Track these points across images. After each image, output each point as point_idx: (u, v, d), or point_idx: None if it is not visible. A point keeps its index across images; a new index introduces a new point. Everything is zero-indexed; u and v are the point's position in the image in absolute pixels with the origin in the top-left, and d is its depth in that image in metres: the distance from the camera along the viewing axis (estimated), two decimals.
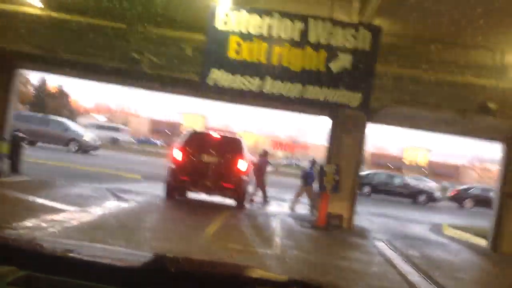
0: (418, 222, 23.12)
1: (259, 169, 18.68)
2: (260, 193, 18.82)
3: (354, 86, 9.95)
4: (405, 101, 12.97)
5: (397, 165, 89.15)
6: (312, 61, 9.93)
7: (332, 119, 15.60)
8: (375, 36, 9.95)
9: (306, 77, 9.98)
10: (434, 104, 13.08)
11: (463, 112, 12.74)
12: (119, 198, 14.45)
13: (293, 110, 17.03)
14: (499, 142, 15.60)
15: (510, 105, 13.06)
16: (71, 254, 1.73)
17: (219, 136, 15.99)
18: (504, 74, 12.22)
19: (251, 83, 9.96)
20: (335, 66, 9.91)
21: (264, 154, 19.70)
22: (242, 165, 15.23)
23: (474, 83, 13.17)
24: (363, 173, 34.81)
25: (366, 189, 33.31)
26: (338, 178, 14.63)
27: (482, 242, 16.56)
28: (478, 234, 18.43)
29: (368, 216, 21.10)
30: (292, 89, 9.99)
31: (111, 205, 13.02)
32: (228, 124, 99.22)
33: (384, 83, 12.69)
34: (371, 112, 14.75)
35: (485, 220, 27.19)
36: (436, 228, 21.30)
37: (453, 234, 19.18)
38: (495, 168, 70.00)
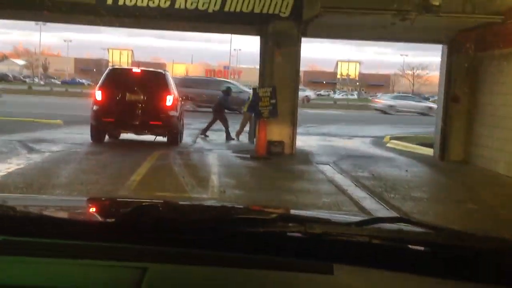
0: (358, 137, 22.35)
1: (220, 105, 17.63)
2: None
3: None
4: (340, 8, 11.46)
5: (331, 80, 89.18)
6: None
7: (262, 36, 13.95)
8: None
9: None
10: (371, 8, 11.63)
11: (403, 13, 11.38)
12: (31, 150, 12.59)
13: (218, 30, 15.22)
14: (440, 43, 14.45)
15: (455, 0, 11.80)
16: (45, 213, 1.75)
17: (142, 72, 15.15)
18: None
19: None
20: None
21: (226, 91, 18.18)
22: (168, 100, 14.26)
23: None
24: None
25: None
26: (274, 101, 13.21)
27: (428, 152, 15.78)
28: (422, 143, 17.72)
29: (310, 136, 20.12)
30: (210, 2, 8.29)
31: (20, 160, 11.20)
32: (158, 56, 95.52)
33: None
34: (304, 24, 13.23)
35: (418, 126, 27.42)
36: (378, 141, 20.52)
37: (396, 146, 18.39)
38: (425, 74, 70.87)
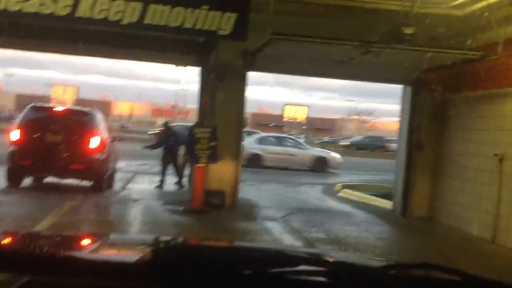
0: (309, 184, 20.33)
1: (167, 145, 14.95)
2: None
3: (225, 3, 6.24)
4: (294, 35, 9.46)
5: (278, 123, 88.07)
6: None
7: (203, 67, 11.80)
8: None
9: None
10: (330, 38, 9.70)
11: (367, 45, 9.47)
12: None
13: (152, 59, 12.96)
14: (402, 84, 12.65)
15: (425, 32, 10.02)
16: (69, 253, 1.71)
17: (66, 110, 14.07)
18: None
19: (57, 3, 5.88)
20: None
21: (165, 127, 15.88)
22: (94, 141, 12.71)
23: (380, 8, 9.99)
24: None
25: None
26: (215, 144, 10.98)
27: (387, 204, 13.83)
28: (378, 193, 15.82)
29: (255, 183, 17.96)
30: (126, 11, 6.09)
31: None
32: (106, 93, 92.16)
33: (263, 9, 9.11)
34: (250, 55, 11.18)
35: (375, 172, 25.64)
36: (330, 190, 18.53)
37: (350, 196, 16.40)
38: (371, 120, 70.54)
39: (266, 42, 9.65)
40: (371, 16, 10.27)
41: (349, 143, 53.97)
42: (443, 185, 11.76)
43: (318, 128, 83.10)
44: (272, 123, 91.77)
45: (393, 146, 30.59)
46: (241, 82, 11.84)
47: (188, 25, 6.20)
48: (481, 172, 10.33)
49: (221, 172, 11.47)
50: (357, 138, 57.86)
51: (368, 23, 10.38)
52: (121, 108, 77.57)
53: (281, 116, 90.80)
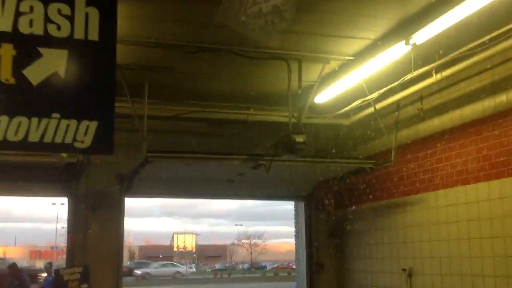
0: None
1: None
2: None
3: (82, 110, 4.97)
4: (171, 152, 8.29)
5: (168, 254, 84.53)
6: None
7: (70, 197, 10.15)
8: (108, 18, 5.20)
9: None
10: (214, 152, 8.66)
11: (255, 158, 8.51)
12: None
13: (9, 192, 11.04)
14: (294, 200, 11.73)
15: (314, 143, 9.33)
16: None
17: None
18: (307, 102, 8.43)
19: None
20: (34, 73, 4.88)
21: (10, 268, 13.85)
22: None
23: (266, 120, 9.25)
24: None
25: None
26: (87, 287, 9.12)
27: None
28: None
29: None
30: None
31: None
32: None
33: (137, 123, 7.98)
34: (127, 179, 9.80)
35: None
36: None
37: None
38: (263, 243, 69.80)
39: (142, 161, 8.37)
40: (258, 129, 9.48)
41: None
42: None
43: (209, 255, 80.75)
44: (162, 254, 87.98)
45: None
46: (118, 211, 10.28)
47: (32, 138, 4.79)
48: None
49: None
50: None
51: (256, 137, 9.58)
52: None
53: (170, 247, 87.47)
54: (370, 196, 9.93)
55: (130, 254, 65.88)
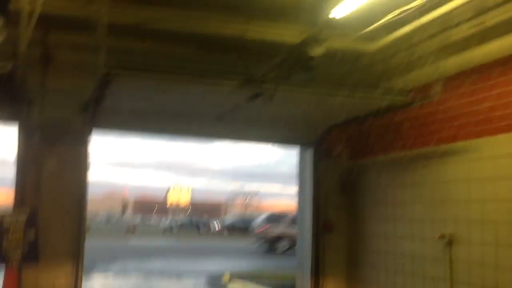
0: (190, 274, 16.57)
1: None
2: None
3: None
4: (140, 70, 6.01)
5: (162, 208, 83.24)
6: None
7: (21, 125, 7.91)
8: None
9: None
10: (201, 74, 6.37)
11: (255, 82, 6.26)
12: None
13: None
14: (299, 145, 9.50)
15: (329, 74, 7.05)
16: None
17: None
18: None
19: None
20: None
21: None
22: None
23: (271, 39, 6.88)
24: None
25: None
26: (34, 236, 7.03)
27: None
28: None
29: (125, 278, 14.06)
30: None
31: None
32: None
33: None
34: (92, 106, 7.57)
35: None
36: (216, 283, 14.88)
37: None
38: (257, 201, 68.10)
39: (100, 80, 6.14)
40: (258, 52, 7.15)
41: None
42: (362, 277, 8.54)
43: (204, 211, 79.43)
44: (156, 208, 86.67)
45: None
46: (82, 147, 8.10)
47: None
48: (420, 261, 7.25)
49: (47, 280, 7.45)
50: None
51: (254, 62, 7.28)
52: None
53: (164, 202, 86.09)
54: (397, 144, 7.76)
55: (123, 207, 64.32)
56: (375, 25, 6.54)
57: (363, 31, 6.68)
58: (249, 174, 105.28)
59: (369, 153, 8.42)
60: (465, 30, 6.31)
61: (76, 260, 7.78)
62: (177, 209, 76.60)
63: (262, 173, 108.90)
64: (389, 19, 6.28)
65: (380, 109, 7.01)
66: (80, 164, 8.02)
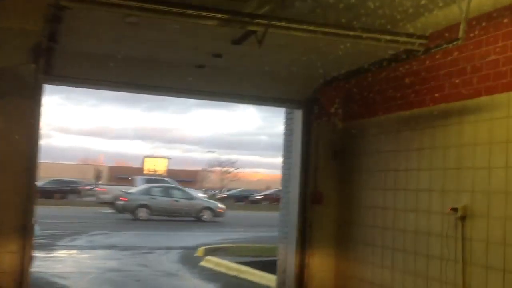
0: (162, 248, 15.44)
1: None
2: None
3: None
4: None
5: (138, 176, 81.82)
6: None
7: None
8: None
9: None
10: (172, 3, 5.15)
11: (240, 22, 5.07)
12: None
13: None
14: (288, 106, 8.36)
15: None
16: None
17: None
18: None
19: None
20: None
21: None
22: None
23: None
24: None
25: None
26: None
27: (269, 280, 9.42)
28: (256, 261, 11.36)
29: (92, 251, 13.01)
30: None
31: None
32: None
33: None
34: (39, 52, 6.29)
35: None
36: (189, 257, 13.81)
37: (216, 266, 11.77)
38: (235, 170, 67.09)
39: (54, 10, 4.88)
40: None
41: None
42: (357, 257, 7.52)
43: (180, 180, 78.35)
44: (131, 176, 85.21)
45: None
46: (33, 101, 6.82)
47: None
48: (425, 238, 6.23)
49: None
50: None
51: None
52: None
53: (141, 169, 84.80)
54: (403, 102, 6.67)
55: (96, 173, 62.69)
56: None
57: None
58: (227, 143, 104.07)
59: (369, 112, 7.32)
60: None
61: (23, 235, 6.57)
62: (154, 177, 75.37)
63: (240, 142, 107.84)
64: None
65: (388, 58, 5.87)
66: (31, 120, 6.76)
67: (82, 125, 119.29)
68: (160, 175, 74.11)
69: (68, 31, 5.84)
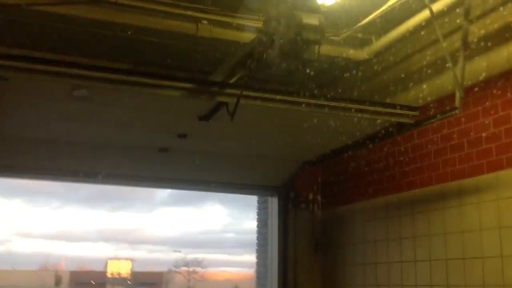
0: None
1: None
2: None
3: None
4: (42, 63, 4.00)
5: (101, 280, 78.17)
6: None
7: None
8: None
9: None
10: (132, 72, 4.41)
11: (209, 92, 4.35)
12: None
13: None
14: (262, 193, 7.52)
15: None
16: None
17: None
18: None
19: None
20: None
21: None
22: None
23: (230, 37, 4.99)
24: None
25: None
26: None
27: None
28: None
29: None
30: None
31: None
32: None
33: None
34: None
35: None
36: None
37: None
38: (202, 270, 64.55)
39: None
40: (214, 51, 5.26)
41: None
42: None
43: (144, 283, 74.91)
44: (93, 280, 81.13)
45: None
46: None
47: None
48: None
49: None
50: None
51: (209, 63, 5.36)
52: None
53: (104, 272, 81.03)
54: (391, 183, 5.94)
55: (56, 279, 59.18)
56: (366, 20, 4.84)
57: (352, 28, 4.96)
58: (193, 241, 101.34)
59: (352, 197, 6.53)
60: (487, 24, 4.70)
61: None
62: (117, 280, 71.93)
63: (207, 240, 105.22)
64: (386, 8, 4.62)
65: (375, 135, 5.19)
66: None
67: (44, 229, 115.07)
68: (124, 278, 70.92)
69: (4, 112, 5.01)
